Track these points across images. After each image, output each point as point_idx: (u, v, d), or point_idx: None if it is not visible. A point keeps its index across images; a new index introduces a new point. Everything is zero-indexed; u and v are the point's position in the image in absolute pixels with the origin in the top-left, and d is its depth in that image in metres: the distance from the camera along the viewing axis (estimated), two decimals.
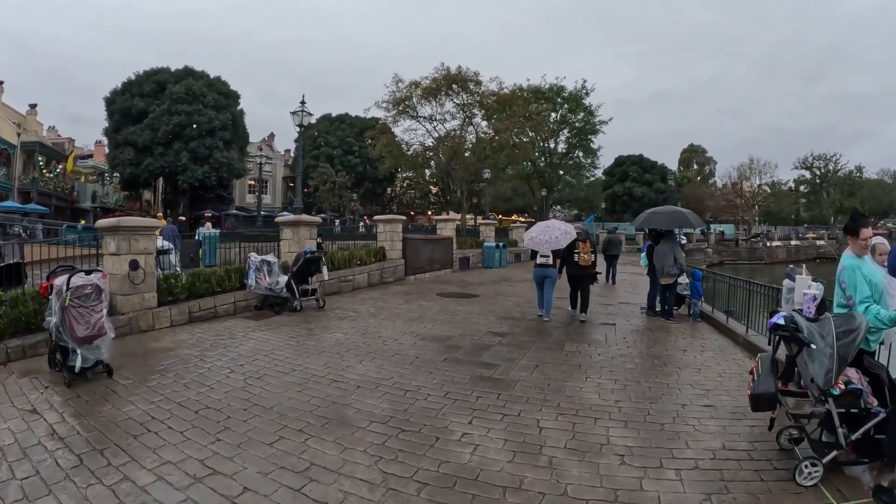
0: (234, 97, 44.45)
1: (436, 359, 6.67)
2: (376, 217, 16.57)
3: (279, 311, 10.09)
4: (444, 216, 19.35)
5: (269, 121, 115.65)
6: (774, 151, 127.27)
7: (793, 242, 49.65)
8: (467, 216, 41.93)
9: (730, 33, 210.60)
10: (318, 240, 16.14)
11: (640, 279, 17.49)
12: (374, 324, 8.96)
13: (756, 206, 56.05)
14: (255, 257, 10.58)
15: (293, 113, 14.26)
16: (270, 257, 10.76)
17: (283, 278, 10.53)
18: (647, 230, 11.92)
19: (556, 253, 9.04)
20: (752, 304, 8.52)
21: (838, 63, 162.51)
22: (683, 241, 42.22)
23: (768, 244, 44.87)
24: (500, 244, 21.66)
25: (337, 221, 36.22)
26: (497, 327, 8.83)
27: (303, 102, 14.24)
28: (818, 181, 61.84)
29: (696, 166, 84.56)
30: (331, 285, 12.73)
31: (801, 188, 64.51)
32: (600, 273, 11.22)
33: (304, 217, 12.63)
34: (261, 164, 33.47)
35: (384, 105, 35.93)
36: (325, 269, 11.08)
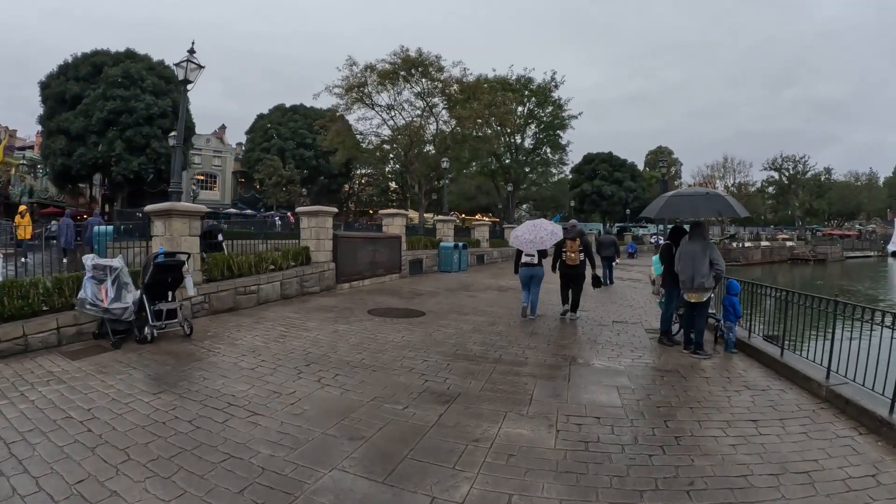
0: (177, 82, 39.92)
1: (301, 482, 3.25)
2: (298, 209, 13.05)
3: (119, 342, 6.56)
4: (390, 210, 15.95)
5: (240, 115, 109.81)
6: (742, 154, 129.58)
7: (763, 243, 48.34)
8: (427, 214, 38.64)
9: (702, 38, 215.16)
10: (220, 237, 12.62)
11: (632, 287, 14.80)
12: (242, 372, 5.48)
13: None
14: (90, 260, 7.00)
15: (177, 65, 10.58)
16: (115, 261, 7.19)
17: (135, 293, 7.06)
18: (656, 224, 8.63)
19: (541, 253, 8.71)
20: (809, 324, 5.94)
21: (807, 70, 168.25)
22: (660, 242, 40.03)
23: (744, 245, 43.23)
24: (460, 244, 18.37)
25: (277, 217, 32.24)
26: (441, 379, 5.48)
27: (191, 51, 10.59)
28: (787, 182, 61.12)
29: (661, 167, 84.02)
30: (224, 299, 9.26)
31: (770, 189, 63.79)
32: (595, 274, 9.77)
33: (179, 205, 9.00)
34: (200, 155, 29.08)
35: (336, 91, 32.32)
36: (188, 281, 7.55)
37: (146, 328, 6.80)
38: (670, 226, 10.26)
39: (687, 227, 7.17)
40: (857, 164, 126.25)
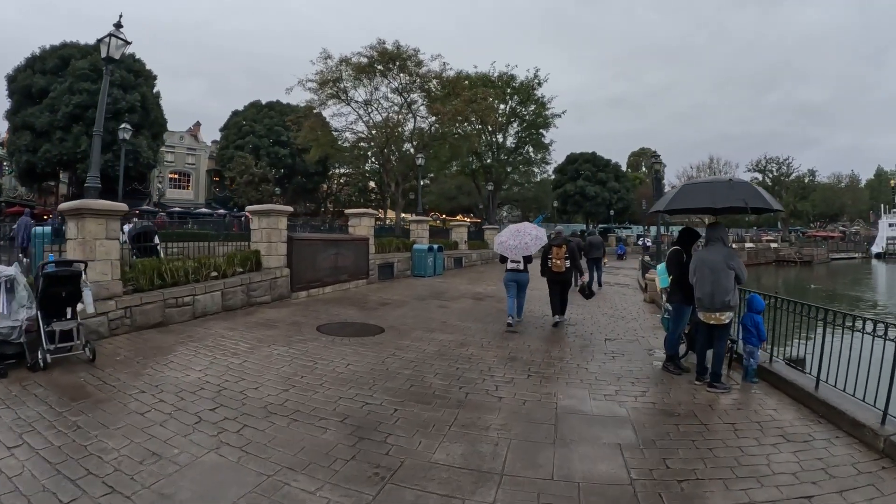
0: (147, 76, 38.44)
1: None
2: (248, 208, 11.49)
3: (6, 369, 5.28)
4: (357, 210, 14.46)
5: (222, 113, 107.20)
6: (724, 156, 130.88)
7: (747, 245, 47.76)
8: (405, 214, 37.12)
9: (686, 42, 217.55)
10: (156, 240, 11.03)
11: (621, 293, 13.25)
12: (128, 418, 4.00)
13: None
14: None
15: (100, 40, 8.96)
16: (10, 269, 5.80)
17: (32, 310, 5.68)
18: (658, 223, 7.10)
19: (526, 258, 8.53)
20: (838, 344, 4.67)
21: (790, 74, 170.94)
22: (648, 243, 38.88)
23: (747, 246, 42.61)
24: (435, 247, 16.92)
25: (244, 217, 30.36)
26: (381, 437, 4.03)
27: (118, 25, 8.98)
28: (771, 184, 60.74)
29: (644, 169, 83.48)
30: (150, 313, 7.78)
31: None
32: (584, 284, 9.40)
33: (92, 202, 7.41)
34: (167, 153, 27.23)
35: (310, 86, 30.66)
36: (87, 295, 6.00)
37: (39, 354, 5.34)
38: (677, 228, 8.98)
39: (694, 230, 5.85)
40: (838, 166, 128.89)
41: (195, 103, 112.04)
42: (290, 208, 11.72)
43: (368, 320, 8.75)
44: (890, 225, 54.42)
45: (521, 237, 8.55)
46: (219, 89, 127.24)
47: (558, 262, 8.65)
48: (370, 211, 14.63)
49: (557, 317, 8.82)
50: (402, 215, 33.15)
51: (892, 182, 63.84)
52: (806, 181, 61.16)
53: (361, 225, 14.36)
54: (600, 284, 14.71)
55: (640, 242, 37.61)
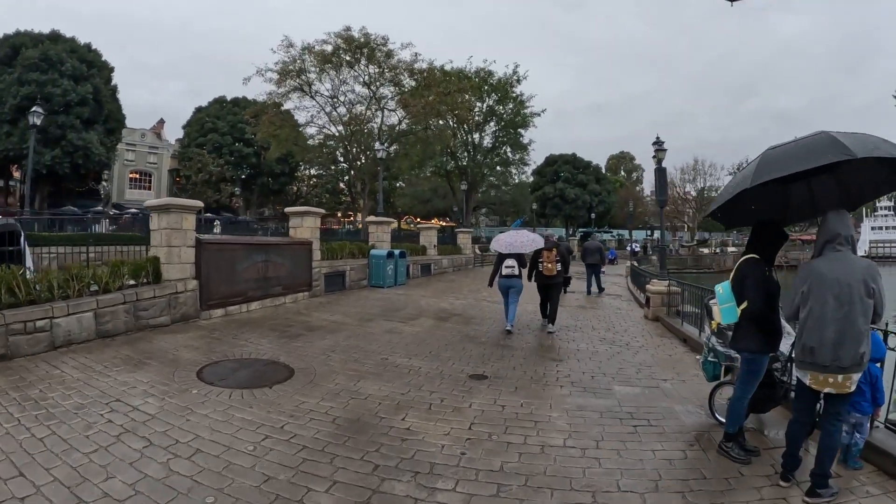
0: (102, 67, 35.51)
1: None
2: (146, 203, 8.91)
3: None
4: (298, 209, 11.86)
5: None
6: (709, 158, 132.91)
7: (730, 249, 46.48)
8: (372, 216, 34.43)
9: (666, 50, 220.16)
10: (23, 242, 8.44)
11: (616, 308, 10.55)
12: None
13: (702, 210, 52.54)
14: None
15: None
16: None
17: None
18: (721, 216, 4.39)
19: (521, 262, 8.51)
20: None
21: (767, 82, 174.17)
22: (637, 248, 36.97)
23: (726, 250, 41.16)
24: (397, 252, 14.40)
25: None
26: None
27: None
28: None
29: (623, 173, 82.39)
30: None
31: None
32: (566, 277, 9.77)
33: None
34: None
35: (270, 76, 28.04)
36: None
37: None
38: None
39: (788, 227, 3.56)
40: None
41: (173, 104, 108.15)
42: (199, 203, 9.14)
43: (280, 356, 6.24)
44: (872, 228, 54.16)
45: (518, 237, 8.62)
46: (198, 90, 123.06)
47: (549, 265, 8.60)
48: (314, 209, 12.06)
49: (549, 324, 8.71)
50: (370, 218, 30.51)
51: None
52: None
53: (303, 226, 11.80)
54: (599, 290, 14.08)
55: (630, 248, 35.92)
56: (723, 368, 4.58)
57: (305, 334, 7.57)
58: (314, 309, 10.07)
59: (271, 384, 5.13)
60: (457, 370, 5.79)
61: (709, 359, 4.61)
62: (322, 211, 12.67)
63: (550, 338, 8.00)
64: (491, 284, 8.88)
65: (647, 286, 10.40)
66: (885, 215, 55.63)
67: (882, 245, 52.81)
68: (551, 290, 8.76)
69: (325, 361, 6.06)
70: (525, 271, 8.68)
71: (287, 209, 12.49)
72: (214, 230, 19.46)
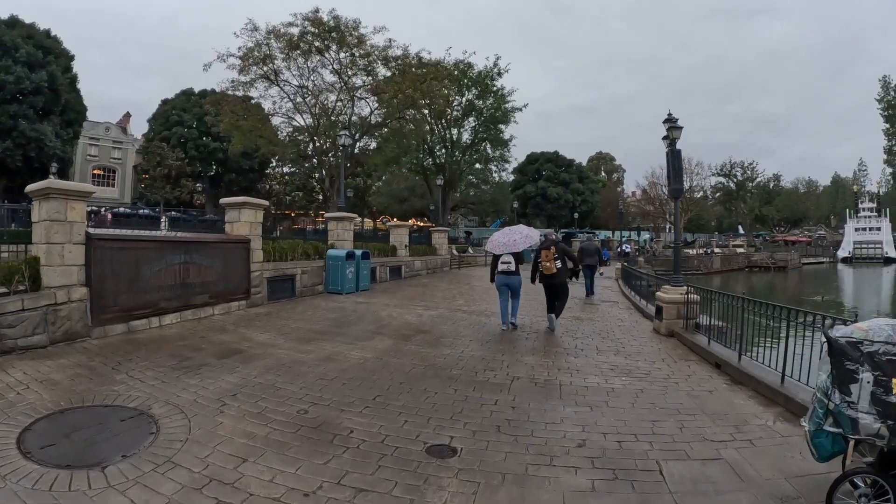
0: (60, 55, 33.05)
1: None
2: (28, 188, 6.77)
3: None
4: (236, 199, 9.72)
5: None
6: (696, 157, 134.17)
7: (715, 250, 45.48)
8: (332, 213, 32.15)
9: (651, 54, 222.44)
10: None
11: (618, 320, 8.54)
12: None
13: (689, 212, 51.46)
14: None
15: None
16: None
17: None
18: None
19: (518, 258, 8.30)
20: None
21: (751, 87, 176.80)
22: (627, 249, 35.51)
23: (713, 251, 40.07)
24: (358, 252, 12.32)
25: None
26: None
27: None
28: (735, 188, 58.92)
29: (603, 173, 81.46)
30: None
31: (717, 195, 61.52)
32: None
33: None
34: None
35: (232, 62, 25.75)
36: None
37: None
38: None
39: None
40: (792, 174, 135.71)
41: (153, 102, 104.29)
42: (92, 188, 7.04)
43: (156, 402, 4.19)
44: (856, 229, 53.86)
45: (511, 235, 8.48)
46: (181, 86, 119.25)
47: (548, 263, 8.28)
48: (253, 200, 9.94)
49: (553, 321, 8.37)
50: (328, 214, 28.29)
51: (854, 188, 63.81)
52: (771, 186, 59.88)
53: (241, 220, 9.67)
54: (593, 292, 13.65)
55: (619, 249, 34.67)
56: (851, 446, 2.77)
57: (211, 364, 5.51)
58: (246, 323, 7.99)
59: (110, 461, 3.11)
60: (410, 435, 3.78)
61: (825, 427, 2.78)
62: (265, 202, 10.57)
63: (549, 358, 6.14)
64: (493, 280, 8.55)
65: (659, 293, 8.57)
66: (868, 216, 55.57)
67: (865, 246, 52.67)
68: (558, 290, 8.44)
69: (214, 414, 4.03)
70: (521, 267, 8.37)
71: (223, 200, 10.35)
72: (161, 228, 17.21)
